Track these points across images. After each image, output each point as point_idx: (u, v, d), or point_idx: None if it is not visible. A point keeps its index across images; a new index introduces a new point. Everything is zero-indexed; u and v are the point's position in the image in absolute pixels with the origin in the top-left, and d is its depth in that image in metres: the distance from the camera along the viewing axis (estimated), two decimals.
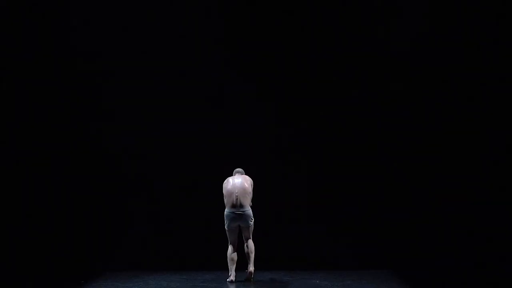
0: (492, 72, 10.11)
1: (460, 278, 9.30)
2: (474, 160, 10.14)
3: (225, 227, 9.08)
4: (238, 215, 8.96)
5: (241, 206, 8.97)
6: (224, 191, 9.10)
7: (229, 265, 9.03)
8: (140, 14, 10.45)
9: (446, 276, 9.49)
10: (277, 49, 10.44)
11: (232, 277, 8.98)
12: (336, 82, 10.45)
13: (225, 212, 9.05)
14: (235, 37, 10.46)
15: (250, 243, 9.05)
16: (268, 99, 10.47)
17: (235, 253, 9.06)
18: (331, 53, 10.42)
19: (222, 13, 10.47)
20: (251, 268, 9.00)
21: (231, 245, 9.08)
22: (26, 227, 10.12)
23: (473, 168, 10.12)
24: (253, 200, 9.14)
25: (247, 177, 9.20)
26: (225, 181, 9.17)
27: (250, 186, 9.11)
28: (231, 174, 9.32)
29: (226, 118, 10.48)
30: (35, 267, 9.86)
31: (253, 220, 9.03)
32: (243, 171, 9.34)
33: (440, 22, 10.25)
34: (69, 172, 10.34)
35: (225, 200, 9.07)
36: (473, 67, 10.16)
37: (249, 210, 9.02)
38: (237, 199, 8.96)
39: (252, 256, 9.02)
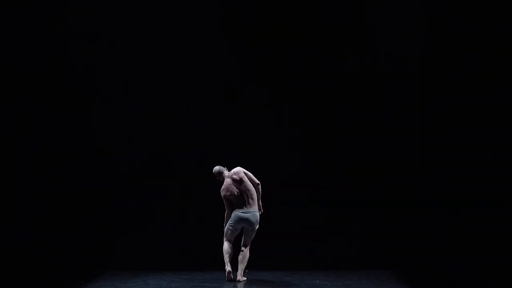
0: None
1: (460, 278, 9.30)
2: (474, 160, 10.14)
3: (228, 225, 9.06)
4: (245, 216, 8.94)
5: (250, 206, 8.96)
6: (230, 196, 9.03)
7: (225, 258, 9.00)
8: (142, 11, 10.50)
9: (446, 276, 9.49)
10: (281, 47, 10.49)
11: (229, 267, 8.97)
12: (338, 79, 10.53)
13: (233, 212, 9.00)
14: (240, 34, 10.51)
15: (247, 251, 9.00)
16: (268, 97, 10.51)
17: (231, 247, 9.04)
18: (336, 51, 10.50)
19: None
20: (239, 277, 8.95)
21: (227, 241, 9.08)
22: (26, 227, 10.11)
23: (473, 168, 10.12)
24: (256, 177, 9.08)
25: (241, 173, 9.04)
26: (230, 185, 9.02)
27: (250, 177, 9.03)
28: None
29: (226, 117, 10.50)
30: (35, 267, 9.85)
31: (258, 227, 9.01)
32: (221, 168, 9.16)
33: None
34: (69, 171, 10.34)
35: (229, 202, 9.03)
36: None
37: (256, 212, 9.02)
38: (246, 201, 8.95)
39: (244, 265, 8.98)
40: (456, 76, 10.25)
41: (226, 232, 9.07)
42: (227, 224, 9.07)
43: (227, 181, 9.09)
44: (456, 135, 10.22)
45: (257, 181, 9.08)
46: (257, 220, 8.98)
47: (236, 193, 9.00)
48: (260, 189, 9.09)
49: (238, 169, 9.09)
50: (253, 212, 8.98)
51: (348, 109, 10.53)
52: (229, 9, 10.51)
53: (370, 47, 10.46)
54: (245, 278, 9.04)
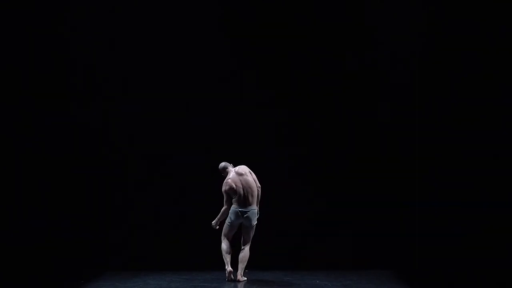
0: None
1: (460, 278, 9.29)
2: (474, 160, 10.13)
3: (227, 222, 9.08)
4: (245, 213, 8.95)
5: (250, 204, 8.99)
6: (229, 190, 9.05)
7: (225, 258, 9.03)
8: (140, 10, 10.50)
9: (446, 276, 9.49)
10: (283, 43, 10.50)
11: (229, 267, 8.99)
12: (338, 79, 10.53)
13: (232, 208, 9.03)
14: (237, 30, 10.52)
15: (247, 250, 9.02)
16: (268, 97, 10.51)
17: (230, 246, 9.06)
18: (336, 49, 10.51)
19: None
20: (239, 276, 8.98)
21: (226, 239, 9.09)
22: (26, 227, 10.10)
23: (473, 168, 10.11)
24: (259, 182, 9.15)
25: (246, 169, 9.13)
26: (230, 179, 9.07)
27: (254, 178, 9.09)
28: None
29: (226, 117, 10.50)
30: (35, 267, 9.85)
31: (256, 222, 9.04)
32: (226, 164, 9.28)
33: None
34: (69, 171, 10.34)
35: (233, 198, 9.03)
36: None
37: (255, 210, 9.04)
38: (246, 197, 8.97)
39: (244, 265, 9.00)
40: (456, 76, 10.25)
41: (225, 229, 9.10)
42: (226, 220, 9.08)
43: (230, 175, 9.12)
44: (456, 135, 10.21)
45: (259, 184, 9.12)
46: (255, 217, 9.00)
47: (236, 187, 9.01)
48: (260, 193, 9.12)
49: (244, 166, 9.16)
50: (252, 209, 8.99)
51: (348, 109, 10.53)
52: (229, 9, 10.51)
53: (370, 47, 10.47)
54: (245, 278, 9.05)
